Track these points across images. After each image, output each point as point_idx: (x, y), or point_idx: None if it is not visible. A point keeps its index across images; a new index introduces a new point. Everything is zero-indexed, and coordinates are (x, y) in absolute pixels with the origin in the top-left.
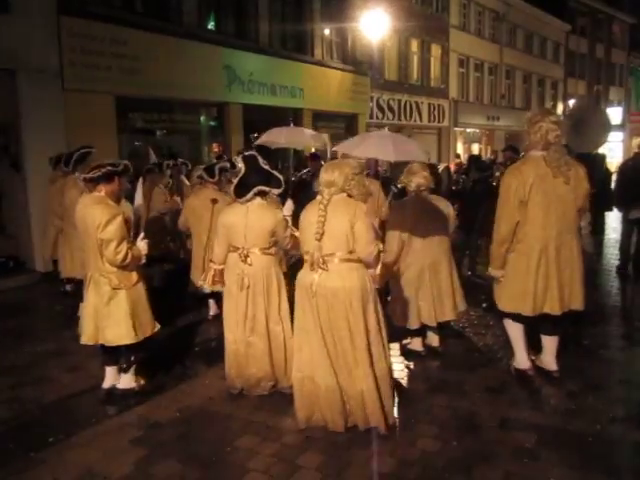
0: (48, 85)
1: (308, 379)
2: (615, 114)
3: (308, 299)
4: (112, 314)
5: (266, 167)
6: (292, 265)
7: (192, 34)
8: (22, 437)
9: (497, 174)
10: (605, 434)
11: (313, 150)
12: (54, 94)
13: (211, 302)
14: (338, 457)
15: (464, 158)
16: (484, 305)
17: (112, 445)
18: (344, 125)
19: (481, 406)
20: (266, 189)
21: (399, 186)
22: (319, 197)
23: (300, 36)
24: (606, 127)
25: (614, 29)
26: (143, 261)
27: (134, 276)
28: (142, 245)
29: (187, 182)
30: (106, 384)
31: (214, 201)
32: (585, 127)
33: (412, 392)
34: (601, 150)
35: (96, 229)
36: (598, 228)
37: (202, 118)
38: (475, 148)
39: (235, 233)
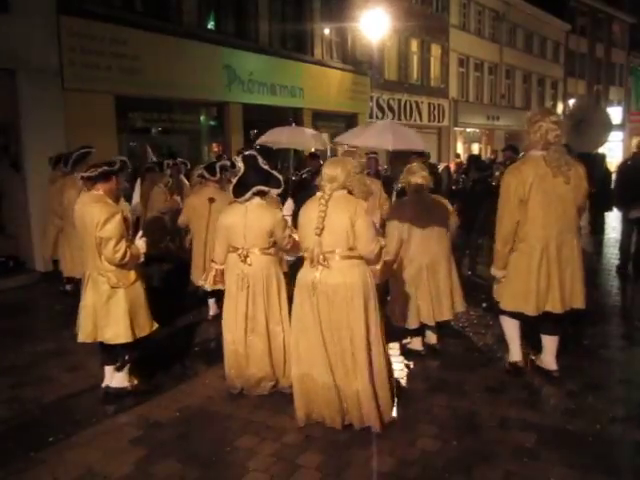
0: (48, 85)
1: (306, 376)
2: (615, 114)
3: (308, 297)
4: (111, 313)
5: (265, 167)
6: (292, 265)
7: (192, 34)
8: (22, 437)
9: (497, 174)
10: (605, 434)
11: (313, 150)
12: (54, 94)
13: (211, 302)
14: (338, 457)
15: (464, 158)
16: (484, 305)
17: (112, 445)
18: (344, 125)
19: (481, 406)
20: (265, 189)
21: (399, 186)
22: (319, 193)
23: (300, 36)
24: (607, 127)
25: (614, 29)
26: (142, 259)
27: (132, 275)
28: (140, 244)
29: (186, 182)
30: (106, 383)
31: (211, 200)
32: (586, 127)
33: (412, 392)
34: (601, 150)
35: (95, 227)
36: (598, 228)
37: (202, 118)
38: (475, 148)
39: (234, 233)
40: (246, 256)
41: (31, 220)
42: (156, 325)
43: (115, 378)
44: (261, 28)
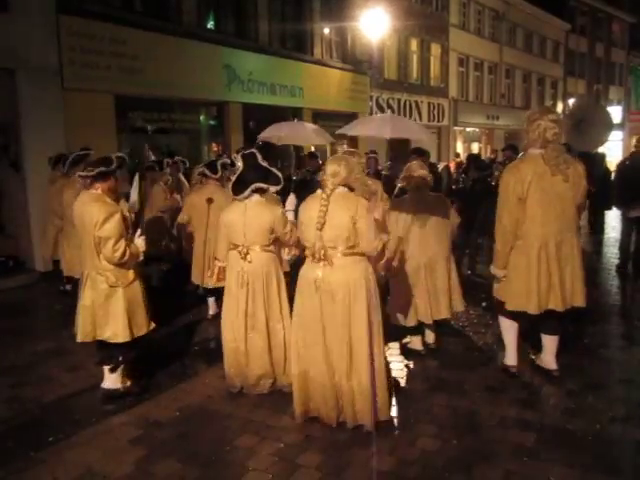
0: (47, 84)
1: (305, 374)
2: (615, 113)
3: (310, 294)
4: (109, 312)
5: (264, 164)
6: (293, 264)
7: (192, 33)
8: (22, 436)
9: (496, 173)
10: (605, 433)
11: (312, 149)
12: (53, 93)
13: (210, 301)
14: (338, 456)
15: (463, 157)
16: (484, 304)
17: (112, 444)
18: (344, 124)
19: (481, 405)
20: (264, 186)
21: (399, 185)
22: (319, 191)
23: (300, 35)
24: (608, 126)
25: (614, 28)
26: (141, 258)
27: (131, 274)
28: (140, 242)
29: (185, 181)
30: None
31: (209, 201)
32: (587, 126)
33: (412, 391)
34: (600, 149)
35: (93, 227)
36: (598, 227)
37: (202, 117)
38: (475, 147)
39: (234, 231)
40: (246, 253)
41: (31, 220)
42: (153, 325)
43: (108, 379)
44: (261, 28)
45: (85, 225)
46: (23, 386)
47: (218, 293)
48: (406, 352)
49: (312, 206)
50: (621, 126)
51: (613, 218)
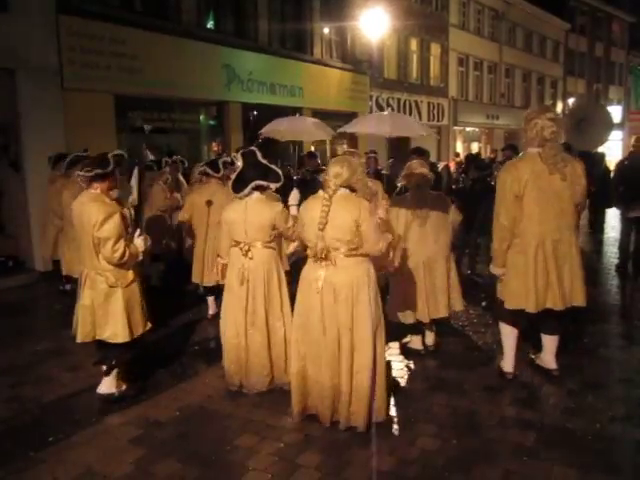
0: (47, 84)
1: (303, 372)
2: (614, 113)
3: (312, 294)
4: (109, 312)
5: (264, 162)
6: (293, 263)
7: (191, 33)
8: (22, 436)
9: (496, 173)
10: (605, 433)
11: (312, 148)
12: (53, 93)
13: (210, 300)
14: (338, 456)
15: (463, 157)
16: (483, 304)
17: (112, 444)
18: (343, 124)
19: (481, 405)
20: (264, 184)
21: (399, 184)
22: (321, 192)
23: (299, 35)
24: (608, 125)
25: (614, 28)
26: (140, 258)
27: (130, 274)
28: (139, 242)
29: (184, 181)
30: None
31: (209, 203)
32: (587, 125)
33: (411, 391)
34: (600, 149)
35: (92, 227)
36: (597, 226)
37: (201, 117)
38: (474, 147)
39: (236, 229)
40: (248, 250)
41: (31, 220)
42: (150, 325)
43: (103, 383)
44: (260, 27)
45: (84, 225)
46: (23, 386)
47: (217, 292)
48: (406, 352)
49: (314, 206)
50: (621, 126)
51: (613, 217)
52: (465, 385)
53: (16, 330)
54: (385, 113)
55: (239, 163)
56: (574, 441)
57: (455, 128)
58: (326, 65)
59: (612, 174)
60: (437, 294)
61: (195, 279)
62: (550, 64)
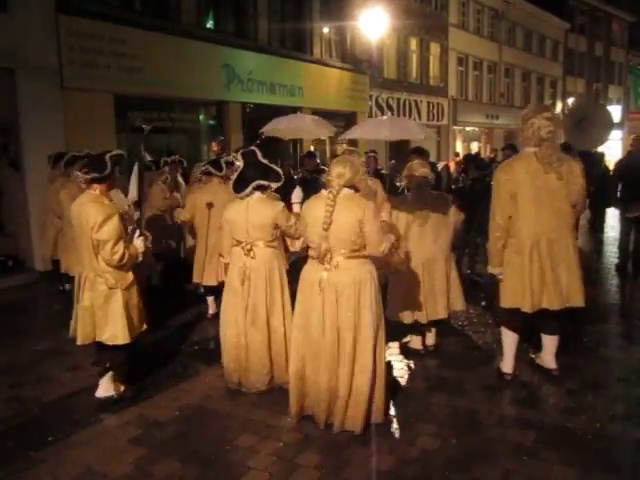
0: (47, 84)
1: (301, 372)
2: (614, 112)
3: (313, 295)
4: (109, 313)
5: (264, 161)
6: (293, 263)
7: (191, 33)
8: (21, 436)
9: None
10: (605, 432)
11: (312, 148)
12: (53, 93)
13: (210, 300)
14: (337, 456)
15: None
16: (483, 303)
17: (111, 444)
18: (343, 123)
19: (480, 404)
20: (265, 183)
21: (399, 184)
22: (324, 191)
23: (299, 35)
24: (608, 125)
25: (613, 27)
26: (140, 259)
27: (130, 276)
28: (139, 243)
29: (183, 182)
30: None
31: (210, 205)
32: (587, 125)
33: (411, 390)
34: (600, 148)
35: (91, 229)
36: (597, 226)
37: (201, 117)
38: (474, 146)
39: (237, 229)
40: (250, 249)
41: (30, 219)
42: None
43: (101, 386)
44: (260, 27)
45: (83, 227)
46: (23, 386)
47: (217, 292)
48: (406, 351)
49: (316, 206)
50: (620, 125)
51: (612, 217)
52: (465, 385)
53: (16, 330)
54: (384, 118)
55: (238, 163)
56: (574, 440)
57: (455, 128)
58: (326, 65)
59: (611, 174)
60: (436, 295)
61: (196, 279)
62: (550, 64)
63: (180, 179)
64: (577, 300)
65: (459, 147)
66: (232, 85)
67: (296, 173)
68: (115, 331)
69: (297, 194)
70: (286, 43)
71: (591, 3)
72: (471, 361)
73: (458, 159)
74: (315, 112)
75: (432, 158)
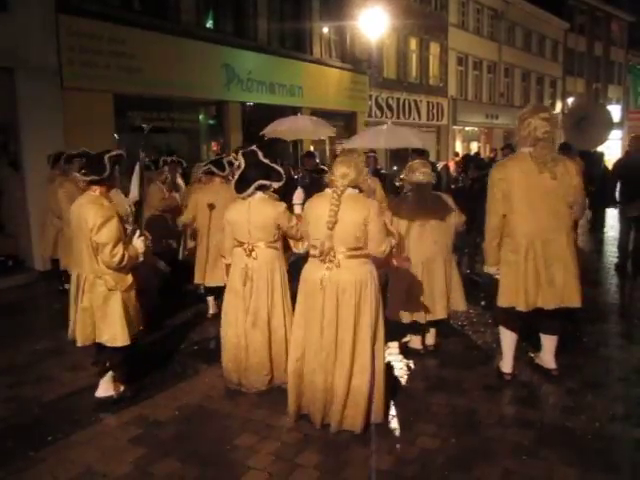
0: (47, 83)
1: (300, 371)
2: (614, 112)
3: (314, 294)
4: (108, 315)
5: (266, 161)
6: (292, 263)
7: (190, 32)
8: (21, 436)
9: None
10: (604, 432)
11: (311, 148)
12: (53, 92)
13: (210, 300)
14: (337, 455)
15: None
16: (482, 303)
17: (111, 444)
18: (343, 123)
19: (480, 404)
20: (267, 183)
21: (398, 184)
22: (328, 190)
23: (299, 34)
24: (608, 124)
25: (613, 27)
26: (141, 259)
27: (129, 278)
28: (139, 243)
29: (182, 183)
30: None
31: (211, 206)
32: (587, 124)
33: (411, 390)
34: (599, 148)
35: (90, 231)
36: (597, 225)
37: (201, 117)
38: (474, 146)
39: (239, 229)
40: (252, 250)
41: (30, 219)
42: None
43: (100, 387)
44: (260, 27)
45: (82, 228)
46: (22, 385)
47: (218, 292)
48: (405, 351)
49: (319, 205)
50: (620, 125)
51: (612, 216)
52: (464, 384)
53: (15, 330)
54: (383, 127)
55: (236, 162)
56: (573, 440)
57: (454, 127)
58: (325, 65)
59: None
60: (435, 295)
61: (198, 280)
62: (549, 63)
63: (180, 180)
64: (573, 300)
65: (459, 147)
66: (232, 85)
67: (296, 173)
68: (114, 333)
69: (299, 195)
70: (286, 43)
71: (591, 3)
72: (471, 361)
73: (458, 159)
74: (315, 112)
75: (431, 158)
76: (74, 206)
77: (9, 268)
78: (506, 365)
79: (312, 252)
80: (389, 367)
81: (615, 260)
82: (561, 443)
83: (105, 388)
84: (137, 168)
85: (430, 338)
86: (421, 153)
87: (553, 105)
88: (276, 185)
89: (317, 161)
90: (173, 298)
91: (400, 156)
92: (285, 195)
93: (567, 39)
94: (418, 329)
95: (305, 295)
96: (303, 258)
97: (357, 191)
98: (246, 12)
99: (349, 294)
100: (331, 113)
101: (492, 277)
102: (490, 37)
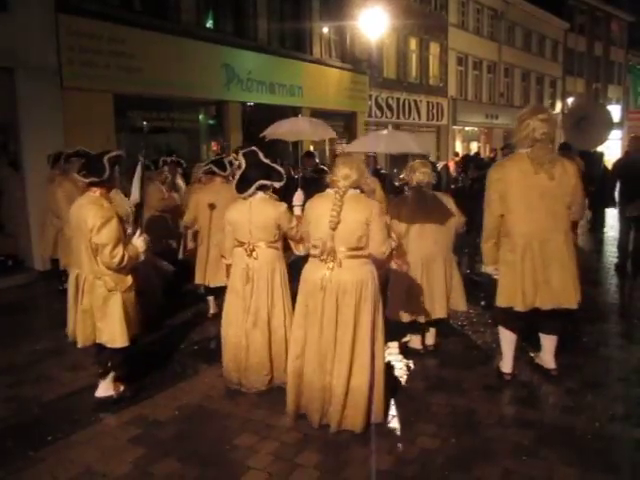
0: (46, 83)
1: (299, 371)
2: (614, 112)
3: (314, 294)
4: (107, 316)
5: (266, 161)
6: (292, 263)
7: (190, 32)
8: (21, 436)
9: None
10: (604, 432)
11: (311, 148)
12: (52, 92)
13: (210, 300)
14: (336, 455)
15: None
16: (482, 303)
17: (111, 444)
18: (343, 123)
19: (480, 404)
20: (267, 183)
21: (397, 184)
22: (329, 190)
23: (299, 34)
24: (608, 124)
25: (613, 27)
26: (142, 258)
27: (129, 279)
28: (139, 242)
29: (181, 184)
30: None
31: (212, 206)
32: (587, 124)
33: (411, 390)
34: (599, 148)
35: (89, 232)
36: (597, 225)
37: (201, 117)
38: (474, 146)
39: (240, 229)
40: (252, 250)
41: (30, 219)
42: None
43: (100, 387)
44: (260, 27)
45: (82, 229)
46: (22, 385)
47: (218, 292)
48: (405, 351)
49: (321, 205)
50: (620, 125)
51: (612, 217)
52: (464, 384)
53: (15, 329)
54: (384, 132)
55: (236, 162)
56: (573, 440)
57: (454, 127)
58: (325, 64)
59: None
60: (433, 295)
61: (198, 281)
62: (549, 63)
63: (180, 180)
64: (570, 302)
65: (458, 147)
66: (232, 85)
67: (297, 172)
68: (113, 334)
69: (298, 197)
70: (286, 43)
71: (590, 3)
72: (470, 361)
73: (457, 159)
74: (315, 112)
75: (431, 158)
76: (74, 207)
77: (9, 268)
78: (506, 365)
79: (313, 252)
80: (389, 367)
81: (615, 260)
82: (561, 443)
83: (105, 388)
84: (138, 170)
85: (430, 338)
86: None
87: (553, 105)
88: (277, 185)
89: (317, 161)
90: (173, 298)
91: (400, 157)
92: (285, 196)
93: (567, 39)
94: (418, 329)
95: (305, 295)
96: (303, 258)
97: (359, 191)
98: (246, 12)
99: (350, 294)
100: (331, 113)
101: (491, 277)
102: (490, 37)
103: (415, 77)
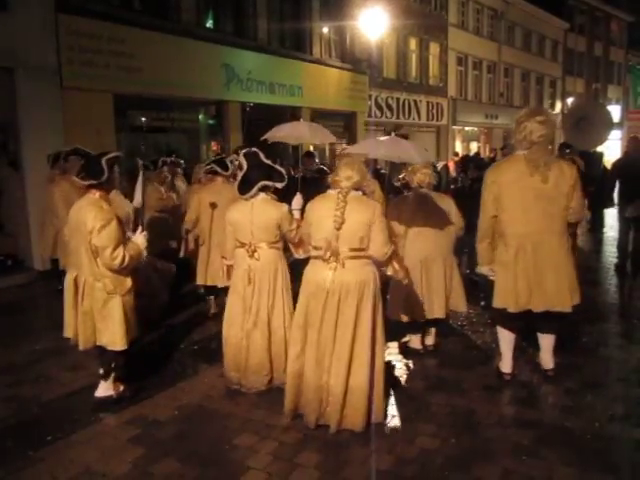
0: (46, 83)
1: (298, 372)
2: (613, 112)
3: (316, 294)
4: (107, 318)
5: (267, 162)
6: (292, 263)
7: (190, 32)
8: (21, 435)
9: None
10: (604, 432)
11: (311, 148)
12: (52, 92)
13: (211, 300)
14: (336, 455)
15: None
16: (482, 303)
17: (111, 443)
18: (343, 123)
19: (479, 404)
20: (269, 184)
21: (396, 184)
22: (330, 191)
23: (299, 34)
24: (608, 124)
25: (612, 27)
26: (144, 255)
27: (129, 282)
28: (140, 239)
29: (181, 185)
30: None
31: (213, 206)
32: (587, 124)
33: (410, 390)
34: (599, 148)
35: (89, 233)
36: (597, 226)
37: (201, 116)
38: (474, 146)
39: (241, 230)
40: (254, 251)
41: (29, 218)
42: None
43: (100, 387)
44: (260, 27)
45: (81, 231)
46: (22, 385)
47: (218, 292)
48: (405, 351)
49: (322, 206)
50: (620, 125)
51: (612, 217)
52: (464, 384)
53: (15, 329)
54: (386, 138)
55: (236, 163)
56: (573, 440)
57: (454, 127)
58: (325, 64)
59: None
60: (432, 295)
61: (199, 281)
62: (549, 63)
63: (180, 181)
64: (564, 305)
65: (458, 147)
66: (231, 85)
67: (297, 173)
68: (113, 337)
69: (297, 201)
70: (285, 43)
71: (590, 3)
72: (470, 361)
73: (457, 159)
74: (315, 112)
75: (432, 158)
76: (73, 209)
77: (8, 268)
78: (505, 365)
79: (314, 254)
80: (389, 367)
81: (614, 260)
82: (560, 443)
83: (105, 388)
84: (141, 176)
85: (430, 338)
86: None
87: (553, 105)
88: (279, 185)
89: (317, 161)
90: (173, 298)
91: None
92: (285, 196)
93: (567, 39)
94: (418, 329)
95: (308, 296)
96: (303, 259)
97: (360, 193)
98: (246, 12)
99: (352, 295)
100: (331, 113)
101: (487, 277)
102: (490, 37)
103: (415, 77)
